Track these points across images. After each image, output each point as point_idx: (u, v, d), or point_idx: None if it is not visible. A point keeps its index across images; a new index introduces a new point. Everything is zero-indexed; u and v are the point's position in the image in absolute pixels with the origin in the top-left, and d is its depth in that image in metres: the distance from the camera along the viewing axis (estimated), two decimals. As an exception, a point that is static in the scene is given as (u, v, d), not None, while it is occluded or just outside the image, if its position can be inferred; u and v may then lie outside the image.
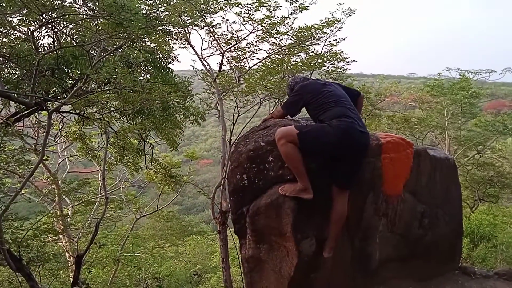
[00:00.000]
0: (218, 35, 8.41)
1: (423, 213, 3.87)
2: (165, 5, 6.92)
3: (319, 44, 8.73)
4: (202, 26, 8.16)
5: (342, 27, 8.37)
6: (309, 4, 7.89)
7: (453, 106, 14.53)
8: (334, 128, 2.94)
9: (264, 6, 7.74)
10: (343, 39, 8.81)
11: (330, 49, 8.88)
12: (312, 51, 8.88)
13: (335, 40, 8.72)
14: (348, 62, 9.16)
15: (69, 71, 6.31)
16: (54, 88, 6.53)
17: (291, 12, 7.99)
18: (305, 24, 8.20)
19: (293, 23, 8.20)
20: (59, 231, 8.18)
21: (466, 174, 14.71)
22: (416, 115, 15.82)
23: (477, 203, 15.00)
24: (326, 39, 8.62)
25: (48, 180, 9.44)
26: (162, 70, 6.53)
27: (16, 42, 5.43)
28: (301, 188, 2.98)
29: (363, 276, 3.60)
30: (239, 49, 8.67)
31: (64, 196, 9.10)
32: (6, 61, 5.36)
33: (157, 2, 6.19)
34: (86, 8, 4.91)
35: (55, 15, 4.69)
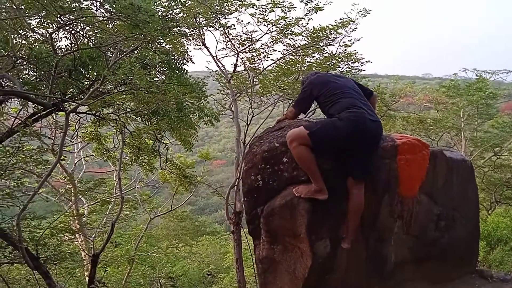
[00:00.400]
0: (232, 36, 8.44)
1: (439, 215, 3.83)
2: (180, 6, 6.97)
3: (333, 45, 8.70)
4: (217, 28, 8.21)
5: (357, 28, 8.33)
6: (324, 4, 7.87)
7: (469, 107, 14.33)
8: (344, 121, 2.92)
9: (278, 7, 7.75)
10: (358, 40, 8.77)
11: (345, 49, 8.85)
12: (327, 52, 8.86)
13: (350, 40, 8.69)
14: (362, 62, 9.11)
15: (86, 72, 6.42)
16: (71, 89, 6.65)
17: (306, 13, 7.98)
18: (319, 24, 8.19)
19: (307, 23, 8.20)
20: (75, 230, 8.30)
21: (483, 176, 14.48)
22: (432, 116, 15.65)
23: (494, 206, 14.77)
24: (341, 40, 8.59)
25: (65, 179, 9.59)
26: (177, 71, 6.59)
27: (34, 44, 5.53)
28: (316, 189, 2.97)
29: (378, 278, 3.57)
30: (254, 50, 8.68)
31: (80, 196, 9.24)
32: (25, 62, 5.47)
33: (173, 4, 6.24)
34: (103, 10, 4.98)
35: (73, 17, 4.77)
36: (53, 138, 8.45)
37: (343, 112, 2.96)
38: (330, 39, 8.42)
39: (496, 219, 11.10)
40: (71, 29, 5.34)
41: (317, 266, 3.09)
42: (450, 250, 3.96)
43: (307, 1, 7.77)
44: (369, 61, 9.24)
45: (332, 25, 8.16)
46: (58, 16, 4.53)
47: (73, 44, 5.57)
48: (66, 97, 6.57)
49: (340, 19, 8.19)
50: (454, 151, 4.34)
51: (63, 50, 5.74)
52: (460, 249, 4.13)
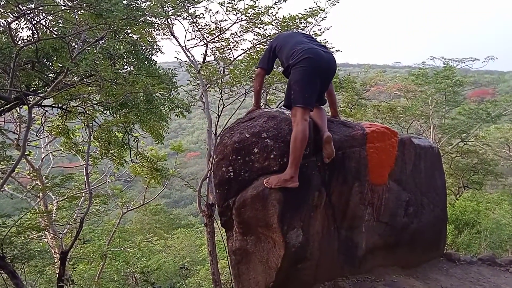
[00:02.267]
0: (201, 25, 8.28)
1: (408, 201, 3.91)
2: (146, -6, 6.79)
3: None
4: (185, 17, 8.04)
5: (326, 17, 8.34)
6: (294, -7, 7.84)
7: (437, 95, 14.69)
8: (300, 63, 3.08)
9: (247, -5, 7.67)
10: (328, 29, 8.79)
11: (315, 39, 8.84)
12: (297, 41, 8.81)
13: (320, 29, 8.69)
14: (333, 52, 9.15)
15: (50, 64, 6.17)
16: (36, 82, 6.39)
17: (275, 2, 7.91)
18: (289, 13, 8.15)
19: (277, 12, 8.13)
20: (44, 227, 8.06)
21: (451, 162, 14.94)
22: (401, 104, 15.96)
23: (462, 190, 15.28)
24: (311, 29, 8.58)
25: (31, 175, 9.29)
26: (146, 62, 6.41)
27: (-9, 34, 5.28)
28: (286, 178, 2.96)
29: (350, 265, 3.62)
30: (223, 40, 8.56)
31: (48, 192, 8.96)
32: (-18, 54, 5.21)
33: (139, -8, 6.06)
34: (65, -1, 4.79)
35: (33, 6, 4.56)
36: (17, 133, 8.15)
37: (294, 54, 3.14)
38: (300, 28, 8.40)
39: (463, 204, 11.47)
40: (31, 19, 5.10)
41: (290, 255, 3.10)
42: (419, 235, 4.06)
43: (276, -11, 7.71)
44: (339, 50, 9.33)
45: (301, 14, 8.14)
46: (17, 4, 4.31)
47: (34, 35, 5.33)
48: (30, 90, 6.32)
49: (310, 8, 8.18)
50: (422, 138, 4.42)
51: (24, 41, 5.50)
52: (429, 234, 4.24)
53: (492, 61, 15.39)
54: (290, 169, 2.95)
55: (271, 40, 3.73)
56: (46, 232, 8.84)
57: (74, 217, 9.74)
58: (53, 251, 9.35)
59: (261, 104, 3.93)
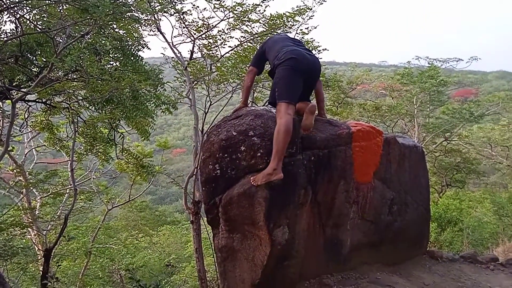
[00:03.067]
0: (188, 22, 8.23)
1: (392, 199, 3.96)
2: (133, -10, 6.72)
3: (291, 32, 8.66)
4: (172, 13, 7.98)
5: (313, 15, 8.36)
6: (281, -9, 7.85)
7: (422, 94, 14.87)
8: (285, 64, 3.22)
9: (235, -8, 7.64)
10: (315, 27, 8.82)
11: (302, 37, 8.86)
12: (284, 39, 8.82)
13: (307, 28, 8.71)
14: (320, 50, 9.19)
15: (34, 58, 6.08)
16: (19, 77, 6.29)
17: (262, 0, 7.91)
18: (276, 12, 8.15)
19: (264, 10, 8.15)
20: (27, 224, 7.95)
21: (434, 161, 15.16)
22: (387, 103, 16.11)
23: (445, 189, 15.51)
24: (298, 27, 8.59)
25: (14, 171, 9.14)
26: (132, 58, 6.37)
27: (-26, 28, 5.17)
28: (269, 172, 2.96)
29: (335, 263, 3.66)
30: (211, 37, 8.51)
31: (31, 188, 8.83)
32: (-36, 48, 5.11)
33: (125, -12, 6.00)
34: (50, -7, 4.71)
35: (17, 0, 4.48)
36: (0, 127, 8.01)
37: (279, 55, 3.30)
38: (287, 27, 8.41)
39: (446, 202, 11.64)
40: (15, 13, 5.02)
41: (276, 253, 3.12)
42: (402, 233, 4.12)
43: (263, -13, 7.70)
44: (326, 49, 9.36)
45: (289, 12, 8.15)
46: (0, -2, 4.25)
47: (18, 29, 5.24)
48: (14, 84, 6.22)
49: (297, 7, 8.20)
50: (406, 138, 4.49)
51: (8, 35, 5.41)
52: (412, 232, 4.30)
53: (476, 61, 15.67)
54: (273, 162, 2.97)
55: (262, 42, 3.82)
56: (29, 229, 8.72)
57: (58, 213, 9.62)
58: (36, 248, 9.22)
59: (248, 102, 3.97)
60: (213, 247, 3.81)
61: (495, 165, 17.54)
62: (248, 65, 4.00)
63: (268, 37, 3.89)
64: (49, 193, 9.14)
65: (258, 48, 3.82)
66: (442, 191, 15.44)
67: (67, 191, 9.75)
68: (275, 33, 8.06)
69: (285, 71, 3.22)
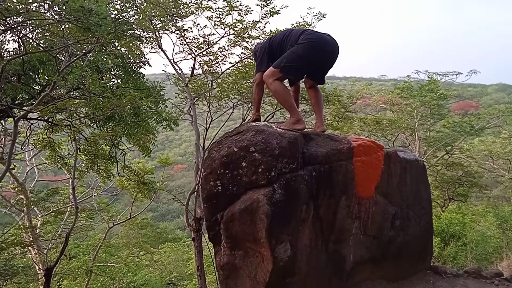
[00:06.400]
0: (189, 39, 8.34)
1: (394, 214, 3.93)
2: (135, 9, 6.81)
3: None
4: (173, 30, 8.09)
5: (313, 31, 8.43)
6: (280, 8, 7.95)
7: (422, 108, 14.88)
8: (303, 44, 3.31)
9: (235, 10, 7.74)
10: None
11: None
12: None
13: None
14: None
15: (36, 76, 6.13)
16: (21, 95, 6.33)
17: (263, 16, 8.02)
18: (276, 28, 8.25)
19: (264, 27, 8.25)
20: (28, 243, 7.91)
21: (436, 174, 15.09)
22: (387, 117, 16.11)
23: (447, 203, 15.40)
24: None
25: (16, 189, 9.13)
26: (133, 75, 6.42)
27: (-23, 48, 5.23)
28: (293, 121, 3.30)
29: (338, 279, 3.61)
30: (211, 54, 8.62)
31: (32, 206, 8.81)
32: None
33: (127, 6, 6.09)
34: (53, 13, 4.78)
35: (20, 20, 4.54)
36: (2, 146, 8.03)
37: (301, 37, 3.35)
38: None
39: (449, 216, 11.57)
40: (18, 32, 5.08)
41: (278, 270, 3.09)
42: (405, 248, 4.08)
43: (263, 4, 7.81)
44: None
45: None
46: (4, 18, 4.30)
47: (21, 48, 5.30)
48: (16, 102, 6.26)
49: (297, 23, 8.30)
50: (407, 152, 4.48)
51: (11, 54, 5.47)
52: (415, 247, 4.26)
53: (475, 74, 15.71)
54: (292, 115, 3.37)
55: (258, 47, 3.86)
56: (30, 248, 8.66)
57: (59, 232, 9.57)
58: (37, 267, 9.15)
59: (247, 117, 4.11)
60: (215, 265, 3.78)
61: (497, 178, 17.47)
62: (251, 80, 4.07)
63: (261, 45, 3.87)
64: (50, 211, 9.11)
65: (258, 55, 3.78)
66: (444, 205, 15.33)
67: (68, 209, 9.72)
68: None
69: (302, 49, 3.31)
